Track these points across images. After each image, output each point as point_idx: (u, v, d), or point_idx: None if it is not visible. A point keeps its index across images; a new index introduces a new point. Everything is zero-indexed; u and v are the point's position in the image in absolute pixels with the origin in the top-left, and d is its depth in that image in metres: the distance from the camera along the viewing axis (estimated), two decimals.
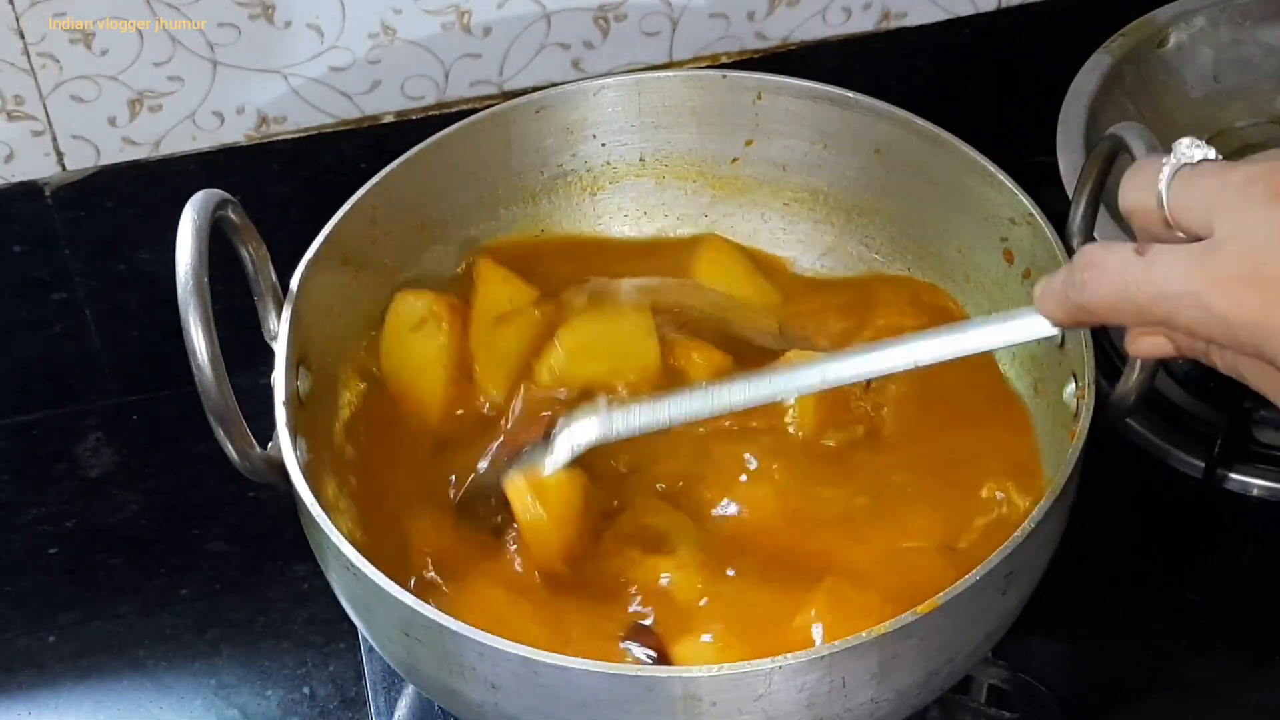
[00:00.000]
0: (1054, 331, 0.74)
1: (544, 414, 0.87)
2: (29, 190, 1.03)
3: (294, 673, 0.97)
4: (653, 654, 0.80)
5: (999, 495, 0.87)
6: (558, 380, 0.91)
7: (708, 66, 1.09)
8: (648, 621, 0.82)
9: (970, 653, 0.80)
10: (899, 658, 0.75)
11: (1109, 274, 0.67)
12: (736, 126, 1.00)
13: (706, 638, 0.81)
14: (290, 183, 1.07)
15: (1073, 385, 0.85)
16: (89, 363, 1.10)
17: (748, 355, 0.93)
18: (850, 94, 0.97)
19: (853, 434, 0.91)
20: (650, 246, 1.02)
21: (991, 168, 0.92)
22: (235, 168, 1.05)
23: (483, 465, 0.87)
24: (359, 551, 0.77)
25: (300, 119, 1.05)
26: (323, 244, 0.90)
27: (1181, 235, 0.65)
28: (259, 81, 1.03)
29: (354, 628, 0.93)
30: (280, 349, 0.85)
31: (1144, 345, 0.71)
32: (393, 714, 0.93)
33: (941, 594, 0.74)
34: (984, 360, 0.93)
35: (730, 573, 0.84)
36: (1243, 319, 0.62)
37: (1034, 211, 0.90)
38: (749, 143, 1.00)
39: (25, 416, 1.10)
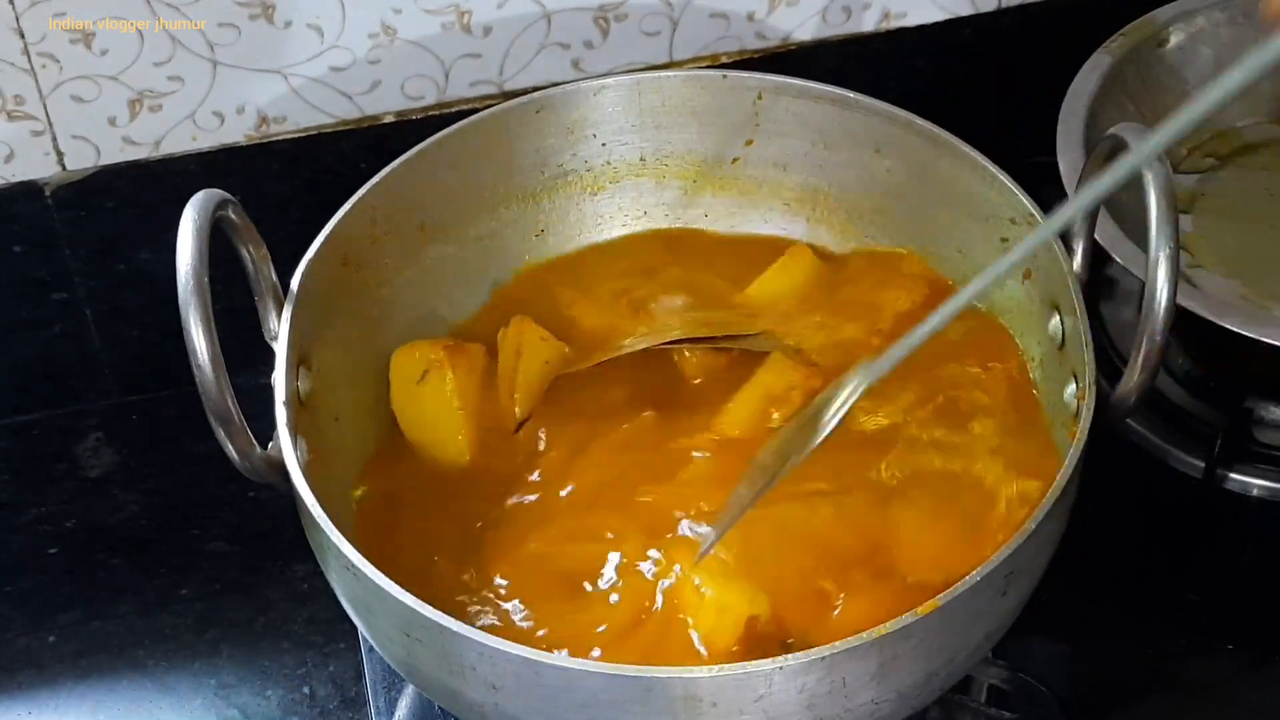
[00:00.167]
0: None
1: None
2: (29, 190, 1.03)
3: (294, 673, 0.97)
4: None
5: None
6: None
7: (708, 66, 1.09)
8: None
9: (970, 653, 0.80)
10: (899, 658, 0.75)
11: None
12: (736, 126, 1.00)
13: None
14: (290, 183, 1.07)
15: (1073, 385, 0.85)
16: (89, 363, 1.10)
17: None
18: (850, 94, 0.97)
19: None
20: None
21: (991, 168, 0.92)
22: (235, 168, 1.05)
23: None
24: (359, 551, 0.77)
25: (300, 119, 1.05)
26: (323, 244, 0.90)
27: None
28: (259, 81, 1.03)
29: (354, 628, 0.93)
30: (280, 349, 0.85)
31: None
32: (393, 714, 0.93)
33: (941, 594, 0.74)
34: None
35: None
36: None
37: (1034, 211, 0.90)
38: (749, 143, 1.00)
39: (25, 416, 1.10)
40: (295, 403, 0.84)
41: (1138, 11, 1.10)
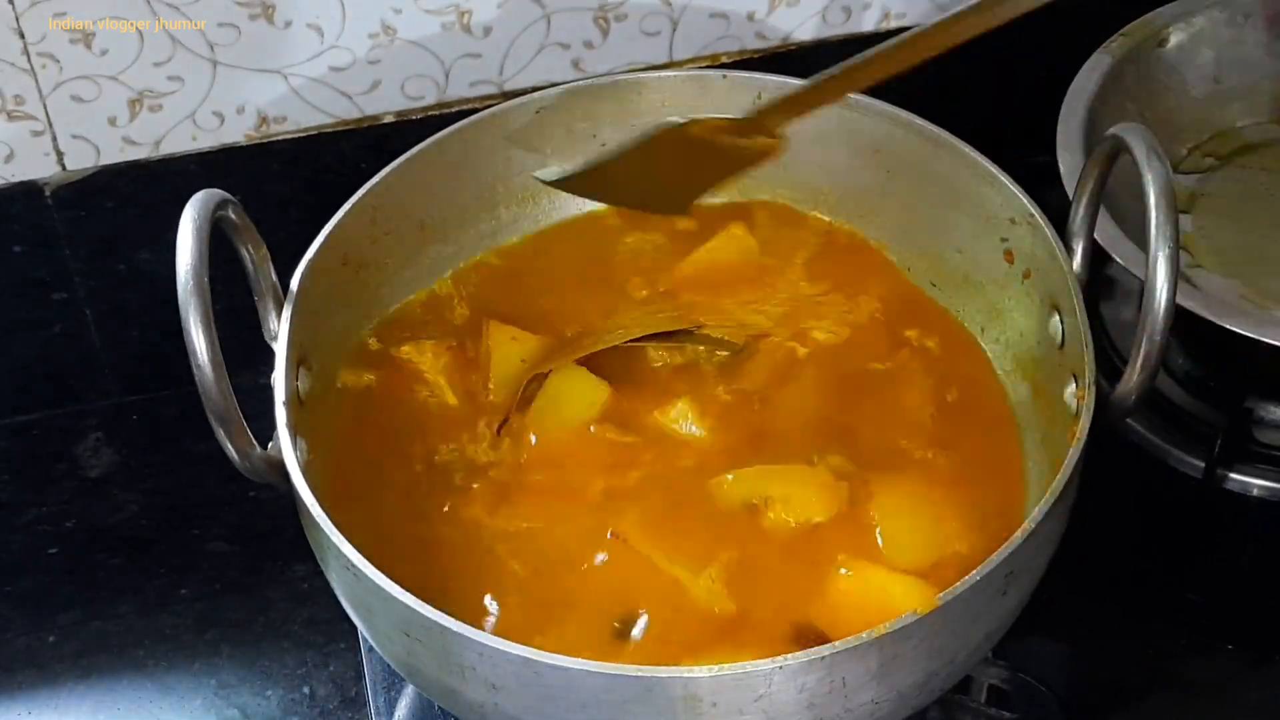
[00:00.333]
0: None
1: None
2: (29, 190, 1.03)
3: (294, 673, 0.97)
4: None
5: None
6: None
7: (708, 66, 1.09)
8: None
9: (970, 653, 0.80)
10: (899, 658, 0.75)
11: None
12: None
13: None
14: (290, 183, 1.07)
15: (1073, 385, 0.85)
16: (89, 363, 1.10)
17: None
18: (850, 94, 0.96)
19: None
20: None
21: (991, 168, 0.92)
22: (235, 168, 1.05)
23: None
24: (359, 551, 0.77)
25: (300, 119, 1.05)
26: (323, 244, 0.90)
27: None
28: (259, 81, 1.03)
29: (354, 628, 0.93)
30: (280, 349, 0.85)
31: None
32: (393, 714, 0.93)
33: (941, 594, 0.74)
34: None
35: None
36: None
37: (1034, 211, 0.90)
38: None
39: (25, 416, 1.10)
40: (295, 403, 0.84)
41: (1138, 11, 1.10)
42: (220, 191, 0.81)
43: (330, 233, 0.90)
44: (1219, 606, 0.98)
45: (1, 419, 1.10)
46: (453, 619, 0.74)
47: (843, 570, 0.83)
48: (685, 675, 0.73)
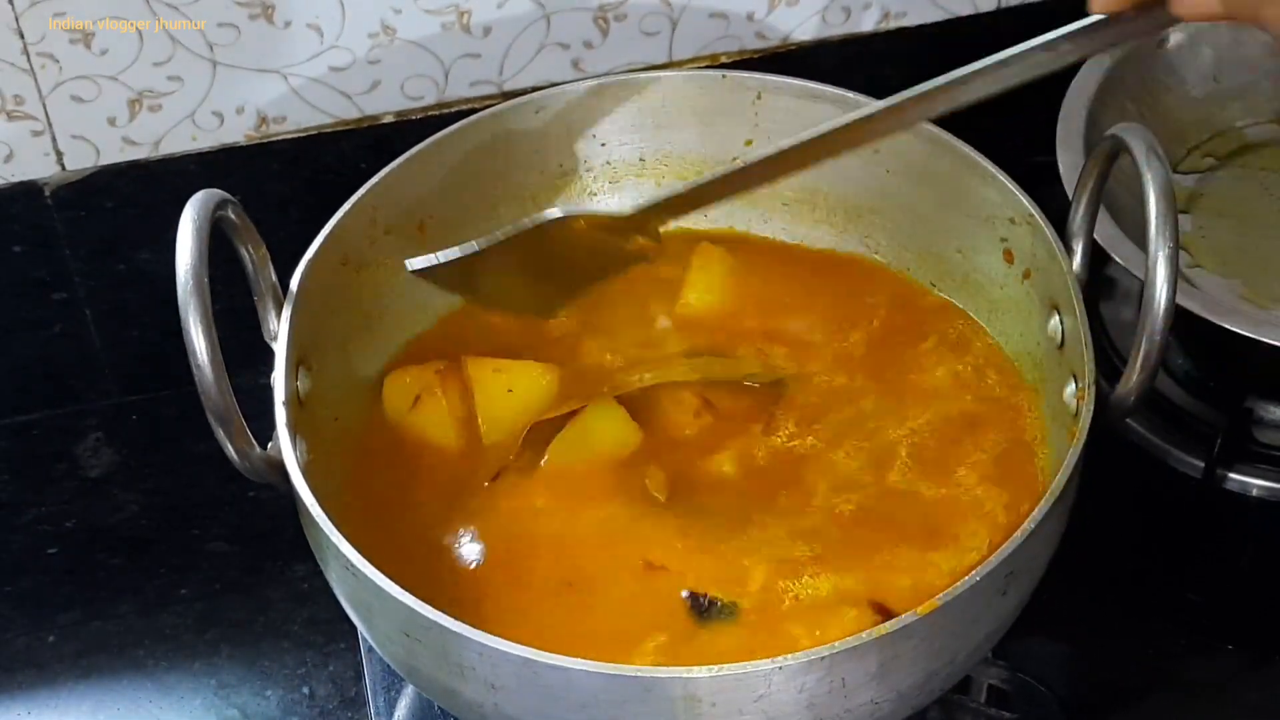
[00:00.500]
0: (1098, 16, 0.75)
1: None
2: (29, 190, 1.03)
3: (294, 673, 0.97)
4: None
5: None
6: None
7: (707, 66, 1.09)
8: None
9: (970, 653, 0.80)
10: (899, 658, 0.75)
11: None
12: (736, 126, 1.00)
13: None
14: (290, 183, 1.07)
15: (1073, 385, 0.85)
16: (89, 363, 1.10)
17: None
18: (850, 94, 0.97)
19: None
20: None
21: (991, 168, 0.92)
22: (235, 168, 1.05)
23: None
24: (358, 551, 0.77)
25: (300, 119, 1.05)
26: (323, 244, 0.90)
27: None
28: (259, 81, 1.03)
29: (354, 628, 0.93)
30: (280, 349, 0.85)
31: (1191, 4, 0.69)
32: (393, 714, 0.93)
33: (941, 594, 0.74)
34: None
35: None
36: None
37: (1034, 211, 0.90)
38: (749, 143, 1.00)
39: (25, 416, 1.10)
40: (295, 403, 0.84)
41: None
42: (220, 191, 0.81)
43: (330, 233, 0.90)
44: (1219, 606, 0.98)
45: (1, 419, 1.10)
46: (453, 619, 0.74)
47: None
48: (685, 675, 0.73)
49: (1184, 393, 1.04)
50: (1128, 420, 1.01)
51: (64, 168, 1.03)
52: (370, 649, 0.95)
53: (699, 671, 0.73)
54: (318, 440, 0.86)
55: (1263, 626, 0.97)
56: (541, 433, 0.90)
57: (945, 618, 0.74)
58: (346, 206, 0.92)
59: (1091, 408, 0.82)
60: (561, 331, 0.97)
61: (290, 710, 0.95)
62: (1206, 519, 1.01)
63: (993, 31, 1.13)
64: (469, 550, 0.87)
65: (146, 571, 1.03)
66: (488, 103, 1.01)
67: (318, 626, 0.98)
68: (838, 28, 1.10)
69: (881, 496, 0.88)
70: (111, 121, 1.02)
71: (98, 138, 1.02)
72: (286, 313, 0.86)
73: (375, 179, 0.93)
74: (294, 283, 0.87)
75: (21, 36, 0.97)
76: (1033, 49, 0.78)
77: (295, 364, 0.86)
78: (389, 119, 1.07)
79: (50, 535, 1.05)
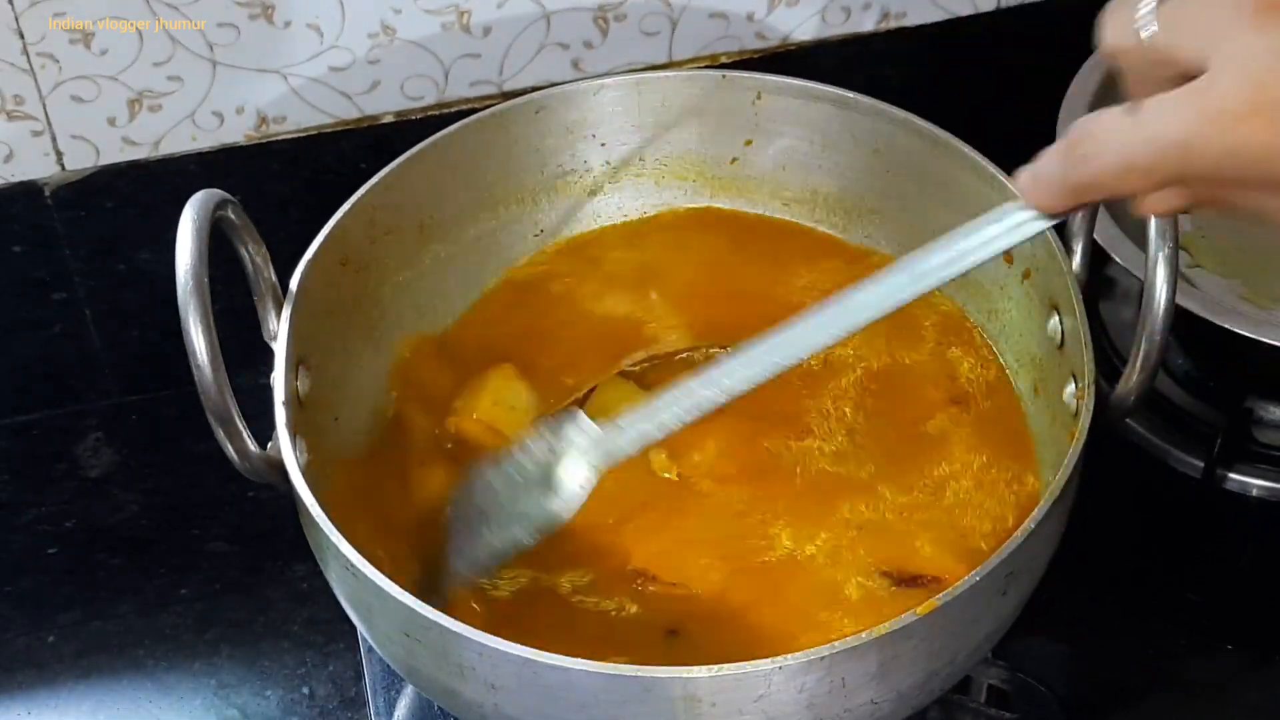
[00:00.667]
0: (1046, 225, 0.70)
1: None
2: (29, 190, 1.03)
3: (294, 673, 0.97)
4: None
5: None
6: None
7: (707, 66, 1.09)
8: None
9: (970, 653, 0.80)
10: (899, 658, 0.75)
11: (1107, 142, 0.63)
12: (736, 126, 1.00)
13: None
14: (290, 183, 1.07)
15: (1073, 385, 0.85)
16: (89, 363, 1.10)
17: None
18: (850, 94, 0.97)
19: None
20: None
21: (991, 168, 0.92)
22: (235, 168, 1.05)
23: None
24: (358, 551, 0.77)
25: (300, 119, 1.05)
26: (323, 244, 0.90)
27: (1171, 73, 0.62)
28: (259, 81, 1.03)
29: (354, 628, 0.93)
30: (280, 349, 0.85)
31: (1154, 203, 0.65)
32: (393, 714, 0.93)
33: (941, 594, 0.74)
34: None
35: None
36: (1254, 150, 0.58)
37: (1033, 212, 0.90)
38: (749, 143, 1.00)
39: (25, 416, 1.10)
40: (295, 403, 0.84)
41: None
42: (220, 191, 0.81)
43: (330, 233, 0.90)
44: (1219, 606, 0.98)
45: (1, 419, 1.10)
46: (453, 619, 0.74)
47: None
48: (684, 675, 0.73)
49: (1184, 393, 1.04)
50: (1128, 420, 1.00)
51: (64, 168, 1.03)
52: (370, 649, 0.95)
53: (699, 671, 0.73)
54: (318, 440, 0.86)
55: (1263, 626, 0.97)
56: None
57: (945, 618, 0.74)
58: (346, 206, 0.92)
59: (1091, 408, 0.82)
60: (563, 335, 0.97)
61: (290, 710, 0.95)
62: (1206, 519, 1.01)
63: (993, 32, 1.13)
64: None
65: (146, 571, 1.03)
66: (488, 103, 1.01)
67: (318, 626, 0.98)
68: (837, 28, 1.10)
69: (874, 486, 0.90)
70: (111, 121, 1.02)
71: (98, 138, 1.03)
72: (286, 313, 0.86)
73: (375, 179, 0.93)
74: (294, 283, 0.87)
75: (21, 36, 0.97)
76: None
77: (295, 364, 0.86)
78: (389, 119, 1.07)
79: (50, 535, 1.05)
